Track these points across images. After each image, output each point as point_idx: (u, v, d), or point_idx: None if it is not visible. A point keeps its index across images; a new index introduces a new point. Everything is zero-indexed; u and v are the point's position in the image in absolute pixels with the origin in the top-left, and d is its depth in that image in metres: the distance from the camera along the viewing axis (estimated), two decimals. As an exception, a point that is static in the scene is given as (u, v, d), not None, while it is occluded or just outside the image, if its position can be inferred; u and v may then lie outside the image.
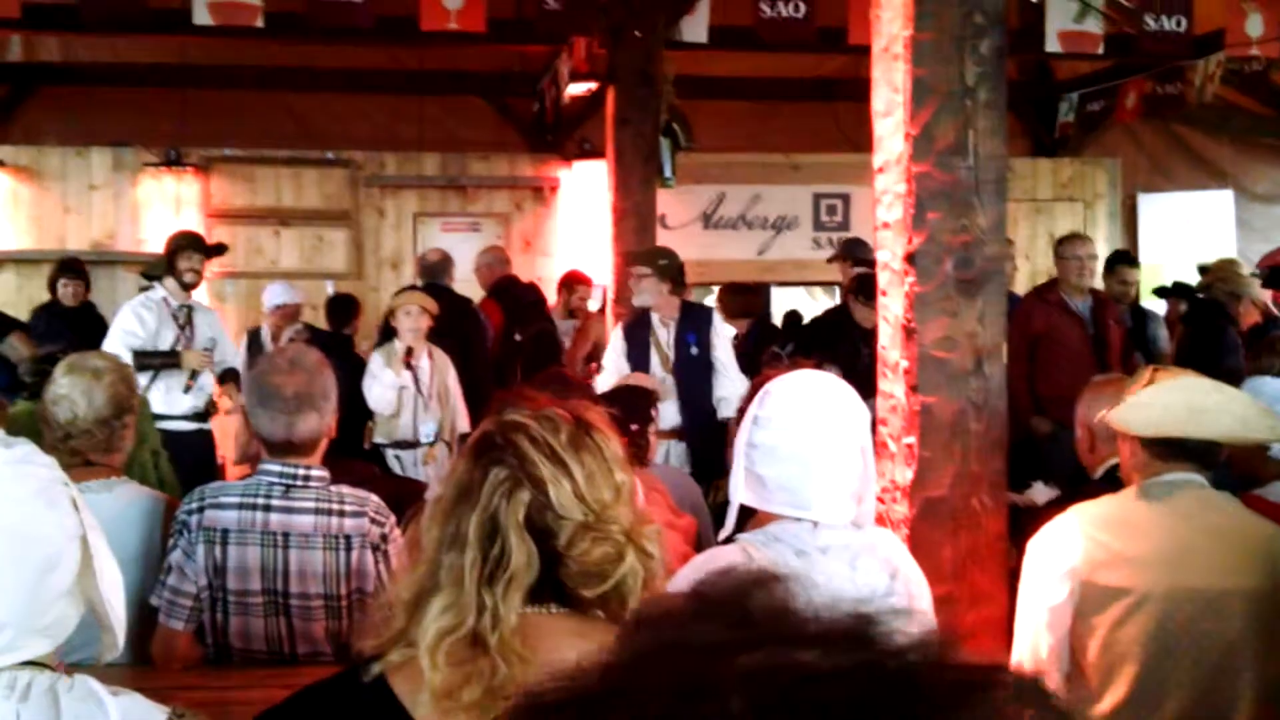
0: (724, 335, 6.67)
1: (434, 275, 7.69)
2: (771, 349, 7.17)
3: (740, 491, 2.43)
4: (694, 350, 6.46)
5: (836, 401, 2.40)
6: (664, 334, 6.57)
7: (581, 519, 1.50)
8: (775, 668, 0.57)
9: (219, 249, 7.25)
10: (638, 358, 6.53)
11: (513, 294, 8.27)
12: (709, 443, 6.04)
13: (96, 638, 1.75)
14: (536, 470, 1.51)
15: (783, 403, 2.39)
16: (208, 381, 6.79)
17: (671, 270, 6.56)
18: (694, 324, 6.53)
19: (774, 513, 2.40)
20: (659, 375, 6.46)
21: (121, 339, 6.42)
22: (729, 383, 6.40)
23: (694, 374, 6.42)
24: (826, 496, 2.35)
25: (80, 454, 3.33)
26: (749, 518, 2.48)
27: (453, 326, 7.20)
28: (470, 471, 1.56)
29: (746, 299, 9.11)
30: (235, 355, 7.15)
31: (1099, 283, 7.45)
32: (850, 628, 0.61)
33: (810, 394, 2.41)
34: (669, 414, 6.46)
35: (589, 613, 1.55)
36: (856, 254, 7.94)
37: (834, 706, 0.55)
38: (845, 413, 2.39)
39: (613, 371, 6.49)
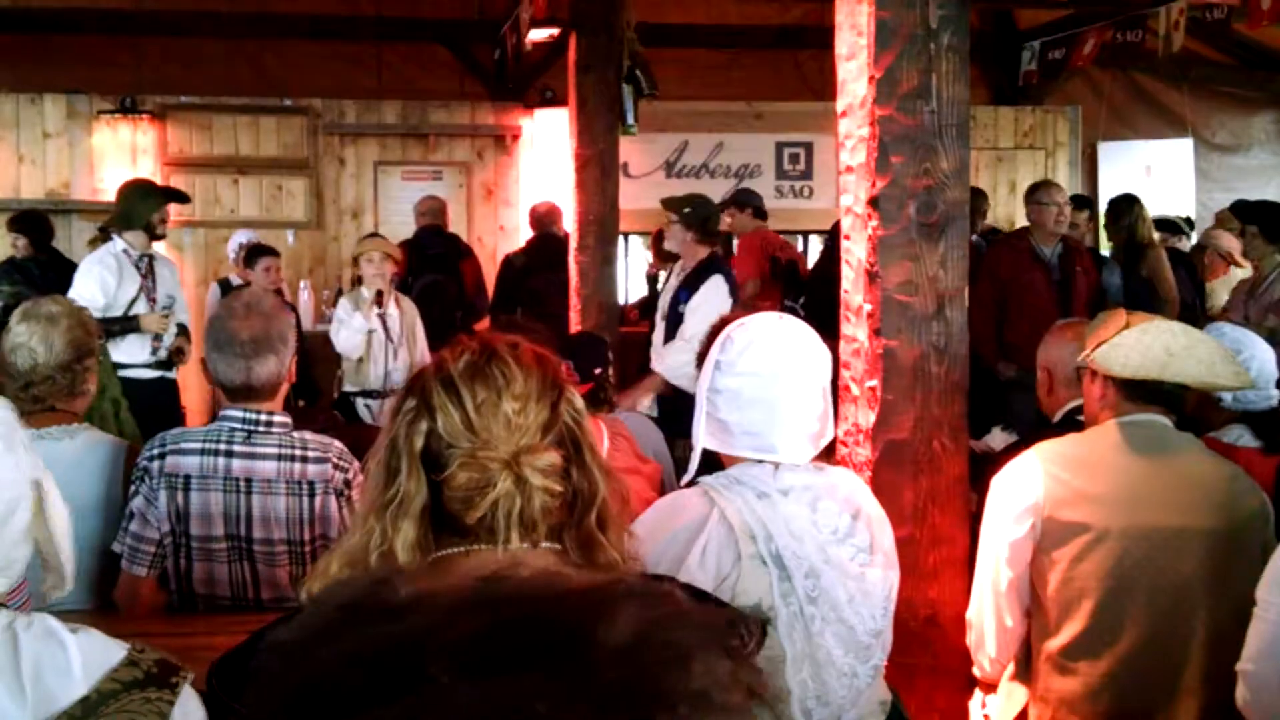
0: (707, 303, 6.06)
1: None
2: (785, 302, 7.15)
3: (703, 437, 2.44)
4: (681, 308, 6.23)
5: (797, 344, 2.40)
6: (673, 283, 6.45)
7: (467, 446, 1.48)
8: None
9: (180, 196, 7.19)
10: (655, 303, 6.63)
11: (419, 245, 8.46)
12: (676, 399, 5.93)
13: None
14: (432, 400, 1.52)
15: (744, 347, 2.39)
16: (169, 336, 6.72)
17: (696, 219, 6.35)
18: (694, 282, 6.24)
19: (737, 456, 2.41)
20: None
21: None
22: (675, 347, 6.09)
23: (675, 330, 6.26)
24: (790, 440, 2.35)
25: (42, 400, 3.31)
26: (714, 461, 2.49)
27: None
28: (395, 407, 1.58)
29: None
30: (185, 312, 7.02)
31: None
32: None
33: (771, 338, 2.40)
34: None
35: (482, 542, 1.49)
36: (751, 201, 8.62)
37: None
38: (806, 355, 2.39)
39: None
